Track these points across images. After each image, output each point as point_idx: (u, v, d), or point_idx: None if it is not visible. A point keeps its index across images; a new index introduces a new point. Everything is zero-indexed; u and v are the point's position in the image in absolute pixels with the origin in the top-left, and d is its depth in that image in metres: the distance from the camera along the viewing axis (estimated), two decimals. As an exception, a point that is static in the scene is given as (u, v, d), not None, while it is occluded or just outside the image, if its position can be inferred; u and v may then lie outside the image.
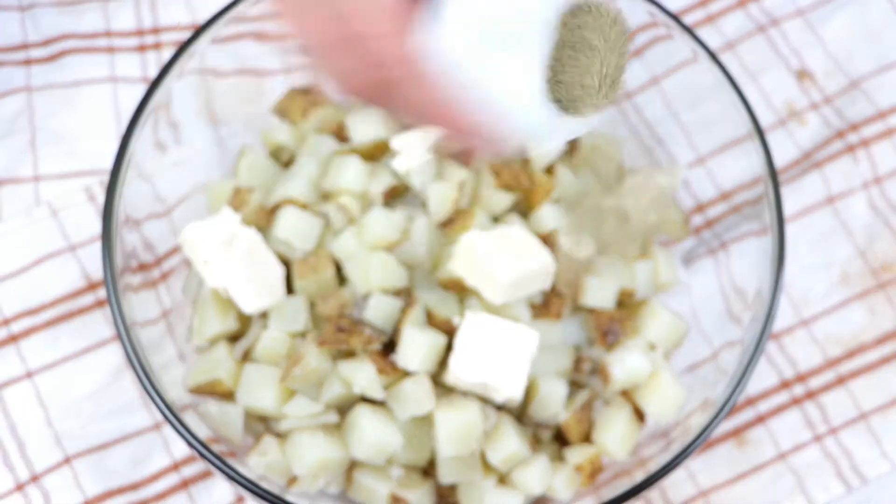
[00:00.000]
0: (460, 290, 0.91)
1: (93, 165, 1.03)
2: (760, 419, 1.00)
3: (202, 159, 1.00)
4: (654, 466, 0.88)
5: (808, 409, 1.00)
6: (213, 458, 0.84)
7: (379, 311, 0.90)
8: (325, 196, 0.95)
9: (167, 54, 1.06)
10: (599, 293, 0.93)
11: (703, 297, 1.00)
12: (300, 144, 0.98)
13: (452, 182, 0.93)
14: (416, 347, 0.88)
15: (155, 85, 0.92)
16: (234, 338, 0.94)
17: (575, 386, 0.94)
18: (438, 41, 0.67)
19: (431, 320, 0.90)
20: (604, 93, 0.70)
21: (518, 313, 0.91)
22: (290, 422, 0.90)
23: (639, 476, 0.88)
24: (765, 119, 1.06)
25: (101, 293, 1.00)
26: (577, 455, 0.92)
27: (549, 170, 0.97)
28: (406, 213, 0.93)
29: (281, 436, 0.91)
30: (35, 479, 0.96)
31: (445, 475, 0.90)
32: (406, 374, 0.89)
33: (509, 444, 0.89)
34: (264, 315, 0.93)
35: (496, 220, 0.94)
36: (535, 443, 0.93)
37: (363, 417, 0.88)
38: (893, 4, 1.10)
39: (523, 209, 0.96)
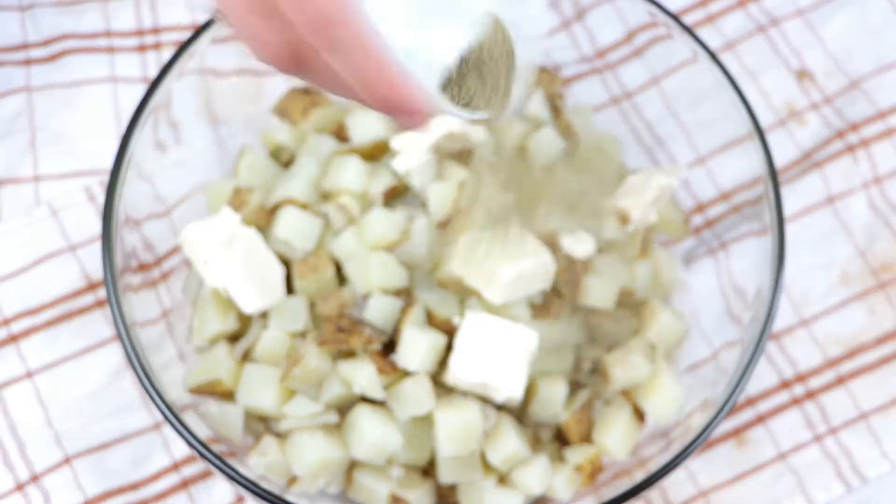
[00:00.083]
0: (460, 290, 0.91)
1: (93, 165, 1.03)
2: (760, 419, 1.00)
3: (202, 159, 1.00)
4: (654, 466, 0.87)
5: (808, 409, 1.00)
6: (213, 458, 0.84)
7: (379, 311, 0.90)
8: (325, 196, 0.95)
9: (167, 54, 1.06)
10: (599, 293, 0.93)
11: (703, 297, 1.00)
12: (300, 144, 0.98)
13: (452, 182, 0.93)
14: (416, 347, 0.88)
15: (155, 85, 0.92)
16: (234, 338, 0.94)
17: (575, 386, 0.94)
18: (362, 5, 0.63)
19: (431, 320, 0.90)
20: (497, 102, 0.70)
21: (518, 313, 0.91)
22: (290, 422, 0.90)
23: (639, 476, 0.88)
24: (765, 119, 1.06)
25: (101, 293, 1.00)
26: (577, 455, 0.92)
27: (550, 170, 0.96)
28: (406, 213, 0.93)
29: (281, 436, 0.91)
30: (35, 479, 0.96)
31: (445, 475, 0.90)
32: (406, 374, 0.89)
33: (509, 444, 0.89)
34: (264, 315, 0.93)
35: (496, 220, 0.94)
36: (535, 443, 0.93)
37: (363, 417, 0.88)
38: (893, 4, 1.10)
39: (523, 209, 0.95)
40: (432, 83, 0.66)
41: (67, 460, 0.96)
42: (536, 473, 0.90)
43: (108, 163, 0.91)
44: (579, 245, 0.93)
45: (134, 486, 0.96)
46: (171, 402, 0.86)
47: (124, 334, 0.87)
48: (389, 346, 0.90)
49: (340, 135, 0.98)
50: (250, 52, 0.68)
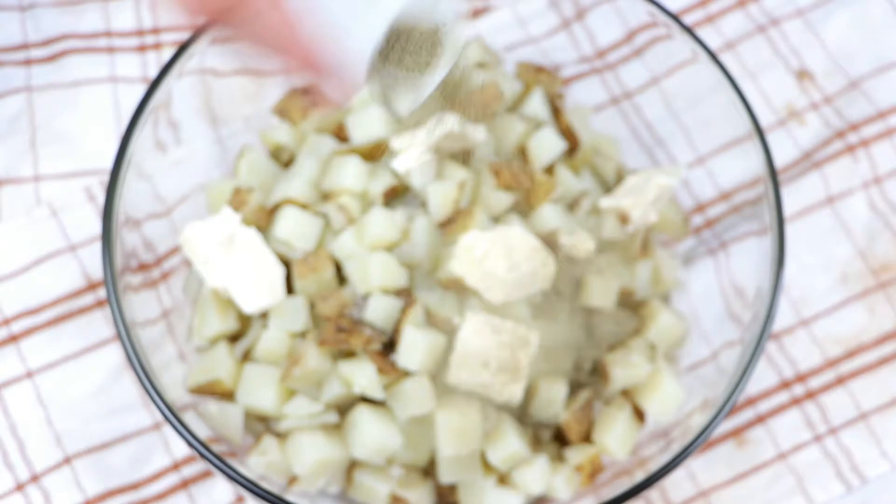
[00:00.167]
0: (460, 290, 0.91)
1: (93, 165, 1.03)
2: (760, 419, 1.00)
3: (202, 159, 1.00)
4: (654, 466, 0.87)
5: (808, 409, 1.00)
6: (213, 458, 0.84)
7: (379, 311, 0.90)
8: (325, 196, 0.95)
9: (167, 54, 1.06)
10: (599, 293, 0.93)
11: (703, 297, 1.00)
12: (300, 144, 0.98)
13: (452, 182, 0.93)
14: (416, 347, 0.88)
15: (155, 85, 0.92)
16: (234, 338, 0.94)
17: (575, 386, 0.94)
18: None
19: (431, 320, 0.90)
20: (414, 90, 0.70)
21: (518, 313, 0.91)
22: (291, 422, 0.90)
23: (639, 476, 0.88)
24: (764, 119, 1.06)
25: (102, 293, 1.00)
26: (577, 455, 0.92)
27: (549, 170, 0.97)
28: (406, 213, 0.93)
29: (281, 436, 0.91)
30: (35, 478, 0.96)
31: (445, 475, 0.90)
32: (406, 374, 0.89)
33: (509, 443, 0.89)
34: (264, 315, 0.93)
35: (496, 220, 0.94)
36: (536, 443, 0.93)
37: (363, 417, 0.88)
38: (893, 4, 1.10)
39: (523, 209, 0.95)
40: (360, 46, 0.66)
41: (68, 460, 0.96)
42: (536, 473, 0.90)
43: (109, 163, 0.91)
44: (579, 245, 0.93)
45: (134, 486, 0.96)
46: (171, 402, 0.86)
47: (124, 334, 0.87)
48: (389, 346, 0.90)
49: (340, 135, 0.98)
50: (179, 7, 0.67)
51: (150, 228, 0.96)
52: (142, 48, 1.07)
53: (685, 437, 0.88)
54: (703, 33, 1.08)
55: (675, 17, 0.95)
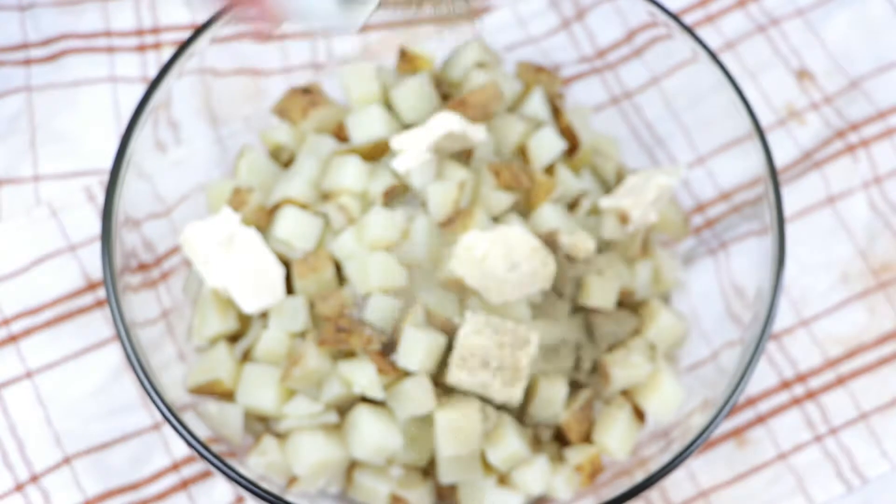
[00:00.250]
0: (460, 290, 0.91)
1: (93, 165, 1.03)
2: (760, 419, 1.00)
3: (202, 159, 1.00)
4: (654, 466, 0.87)
5: (809, 409, 1.00)
6: (213, 459, 0.84)
7: (379, 311, 0.90)
8: (325, 196, 0.95)
9: (167, 54, 1.06)
10: (599, 293, 0.93)
11: (703, 297, 0.99)
12: (300, 144, 0.98)
13: (452, 182, 0.93)
14: (416, 347, 0.88)
15: (155, 85, 0.92)
16: (233, 338, 0.94)
17: (575, 386, 0.94)
18: None
19: (431, 320, 0.90)
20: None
21: (518, 313, 0.91)
22: (290, 422, 0.90)
23: (639, 476, 0.88)
24: (765, 119, 1.06)
25: (101, 293, 1.00)
26: (577, 455, 0.92)
27: (549, 170, 0.96)
28: (406, 213, 0.93)
29: (281, 436, 0.91)
30: (35, 479, 0.96)
31: (445, 475, 0.90)
32: (406, 374, 0.89)
33: (509, 443, 0.89)
34: (264, 315, 0.93)
35: (496, 220, 0.94)
36: (536, 443, 0.93)
37: (363, 417, 0.88)
38: (893, 4, 1.10)
39: (523, 209, 0.95)
40: None
41: (67, 460, 0.96)
42: (536, 473, 0.90)
43: (108, 162, 0.91)
44: (579, 245, 0.93)
45: (134, 487, 0.96)
46: (170, 402, 0.86)
47: (124, 334, 0.87)
48: (389, 346, 0.90)
49: (340, 134, 0.98)
50: None
51: (150, 228, 0.96)
52: (141, 48, 1.07)
53: (685, 438, 0.88)
54: (703, 33, 1.08)
55: (675, 17, 0.95)
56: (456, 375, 0.88)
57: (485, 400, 0.90)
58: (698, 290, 1.00)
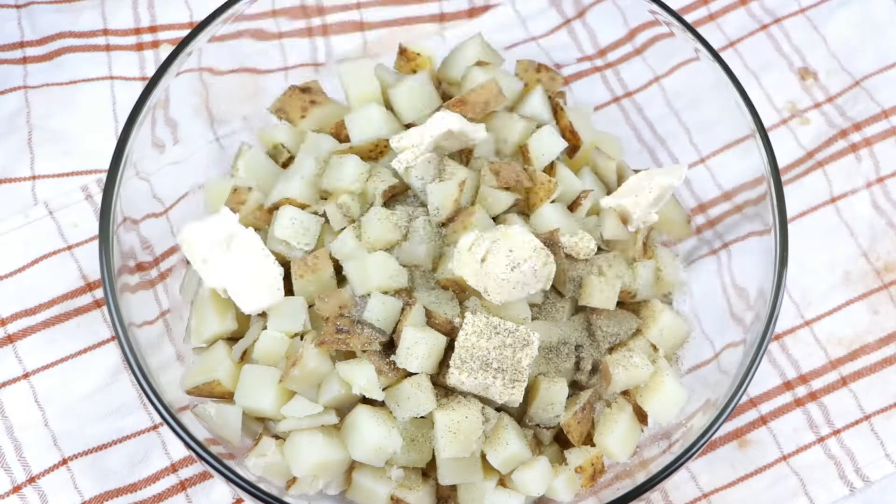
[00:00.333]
0: (460, 290, 0.91)
1: (90, 165, 1.03)
2: (763, 420, 0.99)
3: (200, 158, 1.00)
4: (655, 468, 0.87)
5: (811, 411, 1.00)
6: (212, 460, 0.84)
7: (379, 311, 0.89)
8: (325, 196, 0.94)
9: (165, 53, 1.06)
10: (600, 293, 0.93)
11: (705, 298, 0.99)
12: (299, 143, 0.98)
13: (453, 181, 0.93)
14: (416, 347, 0.88)
15: (152, 83, 0.91)
16: (232, 338, 0.94)
17: (576, 386, 0.94)
18: None
19: (431, 320, 0.90)
20: None
21: (518, 313, 0.91)
22: (289, 423, 0.89)
23: (640, 477, 0.87)
24: (767, 118, 1.06)
25: (99, 293, 1.00)
26: (578, 456, 0.92)
27: (550, 169, 0.96)
28: (406, 213, 0.92)
29: (280, 437, 0.91)
30: (32, 480, 0.96)
31: (445, 476, 0.90)
32: (406, 374, 0.89)
33: (510, 445, 0.89)
34: (263, 315, 0.92)
35: (496, 219, 0.94)
36: (536, 444, 0.92)
37: (363, 418, 0.88)
38: (895, 3, 1.10)
39: (523, 209, 0.95)
40: None
41: (64, 462, 0.96)
42: (537, 475, 0.90)
43: (106, 162, 0.91)
44: (580, 245, 0.92)
45: (132, 488, 0.96)
46: (168, 402, 0.86)
47: (122, 335, 0.86)
48: (389, 347, 0.90)
49: (339, 134, 0.98)
50: None
51: (148, 228, 0.95)
52: (139, 46, 1.07)
53: (687, 439, 0.88)
54: (704, 31, 1.08)
55: (676, 15, 0.95)
56: (456, 377, 0.88)
57: (485, 401, 0.90)
58: (700, 291, 1.00)
